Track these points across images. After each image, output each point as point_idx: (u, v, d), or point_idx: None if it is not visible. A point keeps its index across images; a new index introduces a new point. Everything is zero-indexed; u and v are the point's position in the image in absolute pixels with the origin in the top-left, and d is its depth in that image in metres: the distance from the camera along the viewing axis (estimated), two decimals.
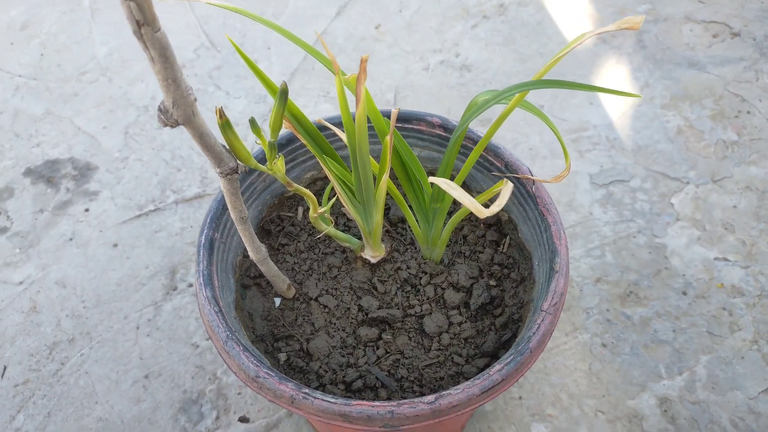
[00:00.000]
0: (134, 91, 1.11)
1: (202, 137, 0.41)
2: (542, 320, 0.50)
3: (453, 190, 0.40)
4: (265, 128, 1.01)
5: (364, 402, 0.46)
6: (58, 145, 1.03)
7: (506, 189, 0.44)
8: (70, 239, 0.92)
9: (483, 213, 0.38)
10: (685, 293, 0.83)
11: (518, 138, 1.02)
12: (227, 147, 0.44)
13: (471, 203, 0.39)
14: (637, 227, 0.90)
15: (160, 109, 0.38)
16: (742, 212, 0.92)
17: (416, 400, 0.46)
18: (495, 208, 0.40)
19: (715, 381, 0.76)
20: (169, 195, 0.96)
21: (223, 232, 0.58)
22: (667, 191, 0.94)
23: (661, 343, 0.79)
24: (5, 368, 0.81)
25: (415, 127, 0.65)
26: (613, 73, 1.11)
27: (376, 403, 0.46)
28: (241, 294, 0.60)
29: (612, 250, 0.88)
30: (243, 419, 0.75)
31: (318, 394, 0.47)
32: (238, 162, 0.45)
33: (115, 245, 0.90)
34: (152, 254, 0.89)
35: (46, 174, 0.99)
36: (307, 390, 0.47)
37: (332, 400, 0.46)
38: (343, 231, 0.65)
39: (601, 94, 1.08)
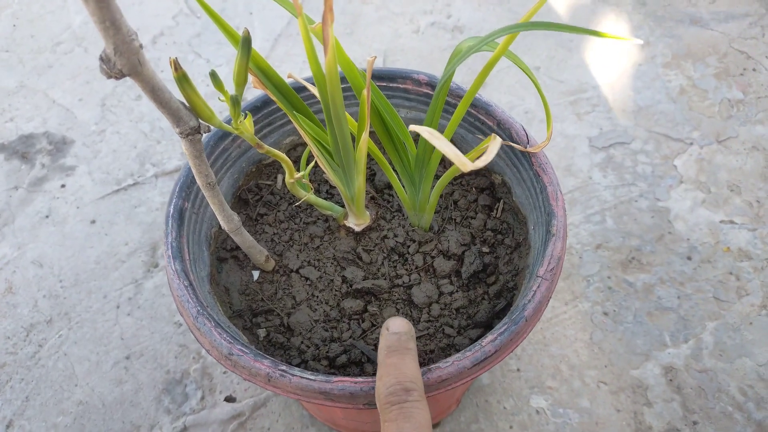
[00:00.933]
0: None
1: (154, 92, 0.37)
2: (538, 287, 0.46)
3: (435, 139, 0.36)
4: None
5: (346, 378, 0.42)
6: (32, 119, 0.99)
7: (494, 144, 0.40)
8: (47, 216, 0.88)
9: (467, 166, 0.34)
10: (689, 258, 0.80)
11: (514, 101, 0.97)
12: (186, 104, 0.40)
13: (455, 154, 0.35)
14: (638, 191, 0.86)
15: (101, 59, 0.34)
16: (749, 173, 0.88)
17: None
18: (480, 162, 0.36)
19: (723, 348, 0.73)
20: (148, 168, 0.91)
21: (194, 202, 0.54)
22: (669, 153, 0.90)
23: (666, 310, 0.76)
24: None
25: (400, 86, 0.61)
26: (613, 31, 1.06)
27: (359, 378, 0.42)
28: (217, 268, 0.56)
29: (613, 215, 0.84)
30: (229, 399, 0.72)
31: (296, 371, 0.43)
32: (200, 121, 0.41)
33: (93, 222, 0.87)
34: (132, 230, 0.85)
35: (21, 149, 0.95)
36: (284, 367, 0.43)
37: (311, 377, 0.43)
38: (325, 199, 0.61)
39: (599, 55, 1.03)
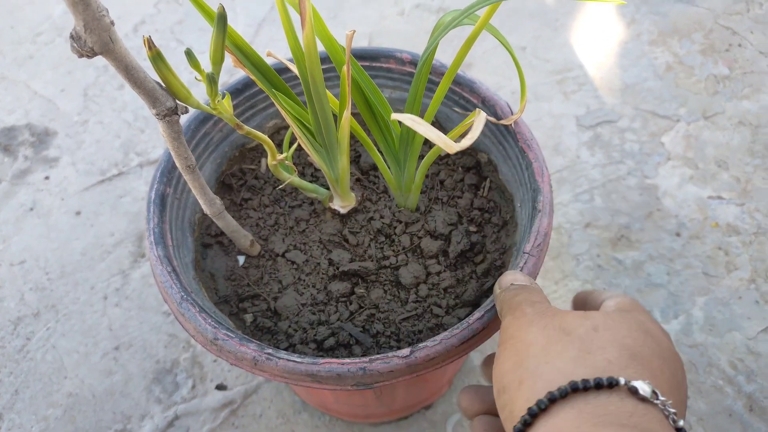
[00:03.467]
0: None
1: (128, 71, 0.36)
2: (525, 263, 0.46)
3: (418, 125, 0.35)
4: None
5: (333, 360, 0.42)
6: (14, 111, 0.97)
7: (479, 120, 0.39)
8: (31, 209, 0.87)
9: (453, 148, 0.33)
10: (678, 234, 0.80)
11: (501, 81, 0.97)
12: (162, 84, 0.39)
13: (439, 138, 0.34)
14: (626, 169, 0.86)
15: (72, 36, 0.33)
16: (736, 148, 0.87)
17: (390, 354, 0.42)
18: (466, 141, 0.35)
19: (713, 323, 0.73)
20: (132, 158, 0.90)
21: (176, 188, 0.53)
22: (657, 130, 0.90)
23: (656, 287, 0.76)
24: None
25: (383, 65, 0.60)
26: (598, 9, 1.06)
27: (346, 360, 0.42)
28: (202, 254, 0.55)
29: (601, 194, 0.84)
30: (220, 387, 0.72)
31: (283, 353, 0.43)
32: (177, 101, 0.40)
33: (78, 213, 0.86)
34: (117, 221, 0.84)
35: (3, 142, 0.94)
36: (270, 350, 0.43)
37: (298, 360, 0.42)
38: (310, 182, 0.60)
39: (585, 33, 1.02)
